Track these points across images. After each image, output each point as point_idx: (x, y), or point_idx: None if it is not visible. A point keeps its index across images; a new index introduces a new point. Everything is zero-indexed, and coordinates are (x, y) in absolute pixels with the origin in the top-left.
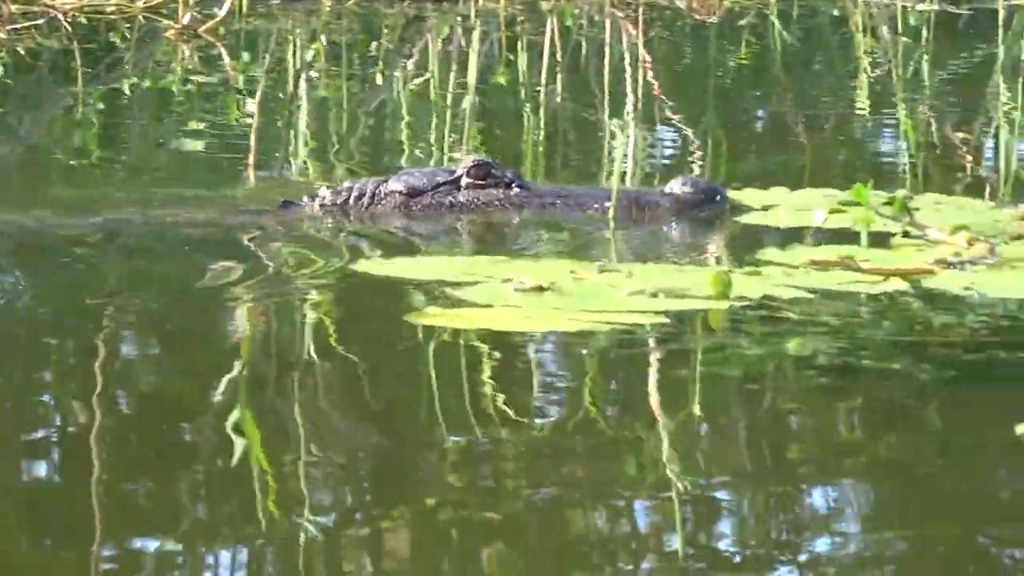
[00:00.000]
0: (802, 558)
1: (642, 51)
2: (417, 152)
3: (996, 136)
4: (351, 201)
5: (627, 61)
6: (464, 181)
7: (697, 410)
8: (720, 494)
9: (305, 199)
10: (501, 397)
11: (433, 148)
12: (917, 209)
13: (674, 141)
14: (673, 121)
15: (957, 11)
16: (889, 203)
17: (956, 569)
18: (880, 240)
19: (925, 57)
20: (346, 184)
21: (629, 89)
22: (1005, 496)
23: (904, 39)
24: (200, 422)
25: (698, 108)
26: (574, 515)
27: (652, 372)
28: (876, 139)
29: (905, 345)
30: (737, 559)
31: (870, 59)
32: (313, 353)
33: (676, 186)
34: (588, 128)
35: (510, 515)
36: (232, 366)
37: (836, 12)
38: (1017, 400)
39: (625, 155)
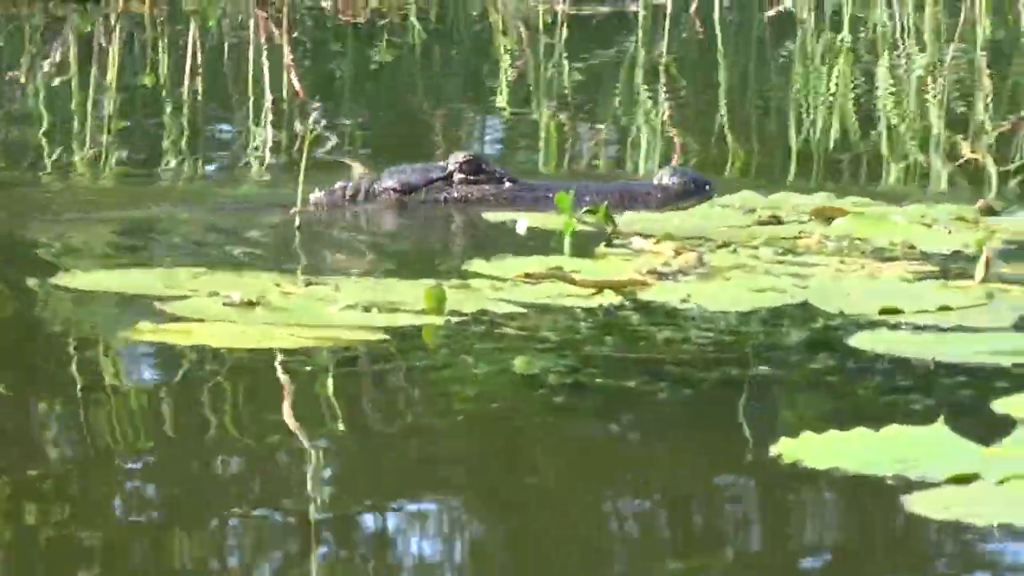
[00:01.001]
0: None
1: (287, 52)
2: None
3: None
4: (346, 199)
5: (266, 63)
6: (456, 176)
7: (416, 429)
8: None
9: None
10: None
11: (75, 149)
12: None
13: (324, 138)
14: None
15: (590, 13)
16: (593, 211)
17: None
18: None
19: (563, 55)
20: (339, 184)
21: (268, 89)
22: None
23: (546, 38)
24: None
25: (341, 107)
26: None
27: (374, 392)
28: (513, 135)
29: (634, 363)
30: None
31: (509, 57)
32: None
33: (665, 177)
34: (225, 125)
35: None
36: None
37: (475, 13)
38: (759, 420)
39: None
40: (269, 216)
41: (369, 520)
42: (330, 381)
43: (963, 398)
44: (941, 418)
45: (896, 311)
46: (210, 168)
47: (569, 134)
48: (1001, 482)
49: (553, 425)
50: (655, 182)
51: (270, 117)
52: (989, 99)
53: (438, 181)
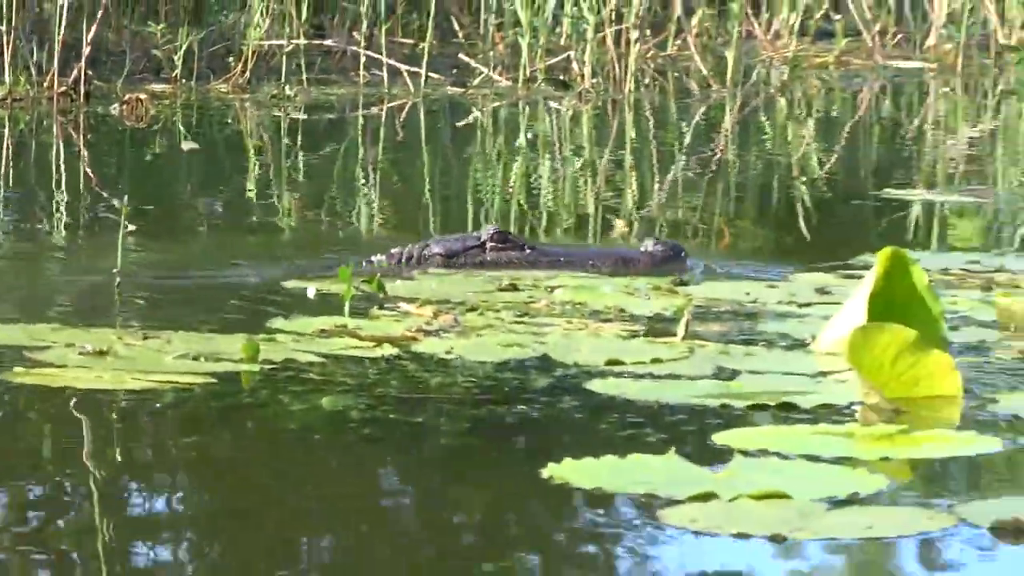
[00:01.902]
0: None
1: (83, 151)
2: None
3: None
4: (403, 261)
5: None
6: (488, 245)
7: (248, 458)
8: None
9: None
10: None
11: None
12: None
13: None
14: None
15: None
16: (368, 282)
17: None
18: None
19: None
20: (394, 250)
21: (65, 183)
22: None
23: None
24: None
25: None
26: None
27: (209, 426)
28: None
29: (418, 401)
30: None
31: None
32: None
33: (649, 245)
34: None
35: None
36: None
37: (229, 120)
38: (526, 447)
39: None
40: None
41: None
42: (168, 416)
43: (686, 432)
44: (672, 449)
45: (619, 362)
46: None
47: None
48: (733, 499)
49: (365, 451)
50: (642, 249)
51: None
52: (635, 190)
53: (474, 248)
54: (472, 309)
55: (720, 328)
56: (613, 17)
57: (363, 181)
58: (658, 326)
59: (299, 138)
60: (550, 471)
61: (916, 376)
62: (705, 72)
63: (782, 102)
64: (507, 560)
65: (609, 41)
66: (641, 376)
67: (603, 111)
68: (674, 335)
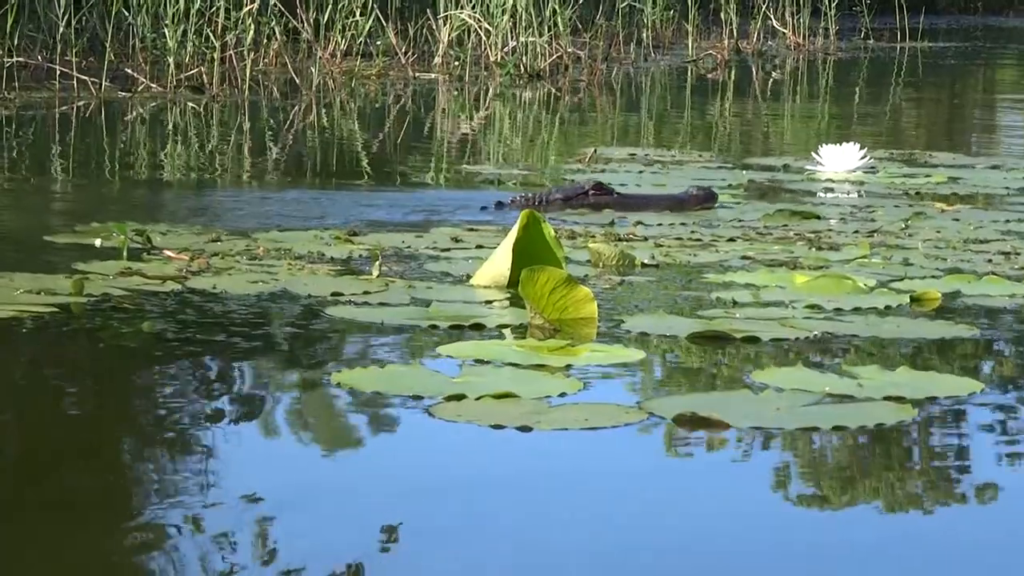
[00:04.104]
0: None
1: None
2: None
3: None
4: (533, 203)
5: None
6: (591, 192)
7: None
8: None
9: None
10: None
11: None
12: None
13: None
14: None
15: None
16: (139, 233)
17: None
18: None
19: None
20: (519, 195)
21: None
22: None
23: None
24: None
25: None
26: None
27: (54, 347)
28: None
29: (211, 323)
30: None
31: None
32: None
33: (693, 190)
34: None
35: None
36: None
37: None
38: (313, 352)
39: None
40: None
41: None
42: (30, 337)
43: (416, 347)
44: (418, 360)
45: (341, 294)
46: None
47: None
48: (479, 399)
49: (182, 359)
50: (689, 191)
51: None
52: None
53: (582, 194)
54: (215, 255)
55: (399, 267)
56: (232, 42)
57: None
58: (352, 266)
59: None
60: (337, 377)
61: (565, 304)
62: (297, 81)
63: (350, 103)
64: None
65: (231, 59)
66: (360, 304)
67: (230, 110)
68: (369, 274)
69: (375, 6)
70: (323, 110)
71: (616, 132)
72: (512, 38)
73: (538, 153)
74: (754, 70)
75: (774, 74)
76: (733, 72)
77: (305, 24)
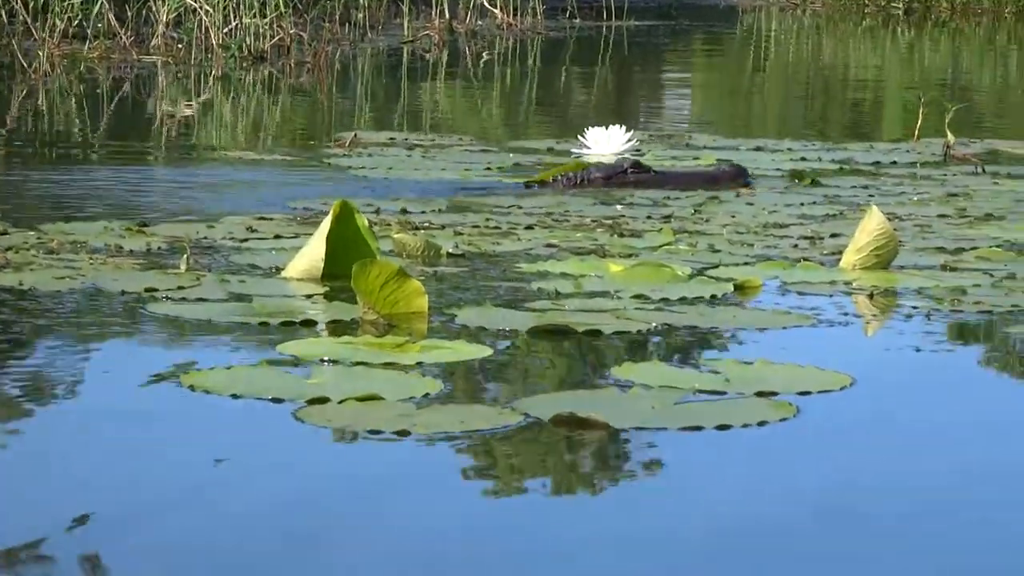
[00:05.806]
0: None
1: None
2: None
3: None
4: (575, 182)
5: None
6: (630, 171)
7: None
8: None
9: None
10: None
11: None
12: None
13: None
14: None
15: None
16: None
17: None
18: None
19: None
20: (569, 175)
21: None
22: None
23: None
24: None
25: None
26: None
27: None
28: None
29: (40, 324)
30: None
31: None
32: None
33: (725, 167)
34: None
35: None
36: None
37: None
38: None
39: None
40: None
41: None
42: None
43: (252, 344)
44: (264, 361)
45: (155, 289)
46: None
47: None
48: (342, 402)
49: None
50: (720, 168)
51: None
52: None
53: (621, 173)
54: (8, 249)
55: (204, 260)
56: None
57: None
58: (155, 260)
59: None
60: (189, 380)
61: (396, 298)
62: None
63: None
64: None
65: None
66: (178, 300)
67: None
68: (177, 267)
69: None
70: (42, 95)
71: (365, 115)
72: (235, 19)
73: (289, 139)
74: (467, 51)
75: (484, 55)
76: (446, 53)
77: (19, 3)
